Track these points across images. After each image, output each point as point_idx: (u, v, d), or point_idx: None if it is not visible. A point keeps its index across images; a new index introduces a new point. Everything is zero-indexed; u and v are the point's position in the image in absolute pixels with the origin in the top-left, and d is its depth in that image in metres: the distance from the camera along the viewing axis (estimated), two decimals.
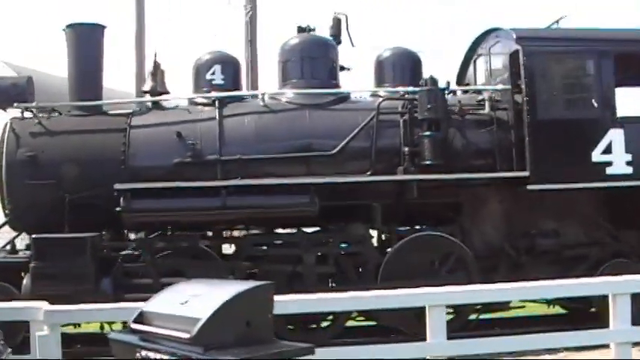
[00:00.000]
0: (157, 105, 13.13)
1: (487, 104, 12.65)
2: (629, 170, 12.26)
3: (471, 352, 9.68)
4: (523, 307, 12.96)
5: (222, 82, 12.90)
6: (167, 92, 13.43)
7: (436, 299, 9.37)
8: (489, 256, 12.55)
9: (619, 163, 12.25)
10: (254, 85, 22.50)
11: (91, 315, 9.49)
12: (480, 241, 12.64)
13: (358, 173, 12.19)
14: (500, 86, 12.92)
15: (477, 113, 12.70)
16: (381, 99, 12.66)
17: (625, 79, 13.50)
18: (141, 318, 6.14)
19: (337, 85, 13.22)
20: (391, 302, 9.78)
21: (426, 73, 13.00)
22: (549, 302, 12.92)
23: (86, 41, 12.94)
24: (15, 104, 12.46)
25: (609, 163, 12.25)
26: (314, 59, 13.09)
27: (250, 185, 11.93)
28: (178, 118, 12.59)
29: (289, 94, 12.87)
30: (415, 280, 11.09)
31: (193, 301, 5.87)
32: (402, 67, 13.27)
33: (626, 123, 12.38)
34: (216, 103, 12.56)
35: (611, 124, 12.31)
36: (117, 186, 11.70)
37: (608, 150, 12.27)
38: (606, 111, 12.39)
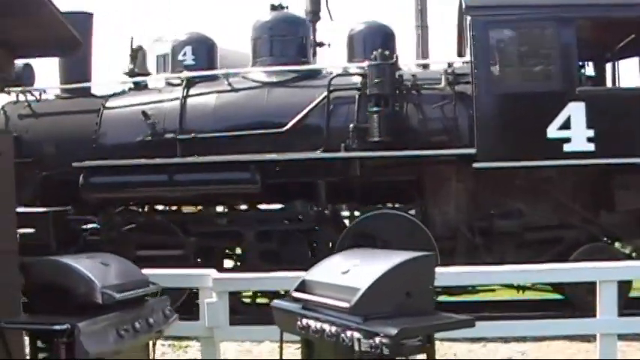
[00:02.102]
0: (136, 86, 13.74)
1: (443, 78, 12.11)
2: (591, 147, 11.38)
3: None
4: (493, 290, 12.51)
5: (192, 62, 13.31)
6: (147, 74, 14.18)
7: (608, 274, 9.09)
8: (448, 237, 12.11)
9: (579, 139, 11.38)
10: (424, 55, 22.26)
11: (259, 283, 9.72)
12: (440, 221, 12.21)
13: (311, 150, 12.09)
14: (455, 60, 12.53)
15: (435, 88, 12.15)
16: (332, 75, 12.52)
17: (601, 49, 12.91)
18: (303, 286, 6.21)
19: (307, 63, 13.20)
20: (558, 276, 9.56)
21: (400, 47, 12.99)
22: (519, 288, 12.30)
23: (74, 29, 13.29)
24: (6, 88, 13.00)
25: (567, 140, 11.41)
26: (283, 37, 13.17)
27: (199, 162, 12.20)
28: (148, 99, 13.11)
29: (257, 72, 13.03)
30: None
31: (354, 270, 5.92)
32: (374, 41, 12.85)
33: (588, 96, 11.51)
34: (183, 82, 12.94)
35: (571, 97, 11.44)
36: (75, 164, 12.44)
37: (566, 125, 11.43)
38: (565, 83, 11.56)
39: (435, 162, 12.01)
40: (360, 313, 5.45)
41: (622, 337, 9.16)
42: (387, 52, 11.95)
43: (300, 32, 13.38)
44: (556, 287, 12.17)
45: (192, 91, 12.91)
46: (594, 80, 13.29)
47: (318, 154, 12.04)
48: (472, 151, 11.62)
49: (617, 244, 12.48)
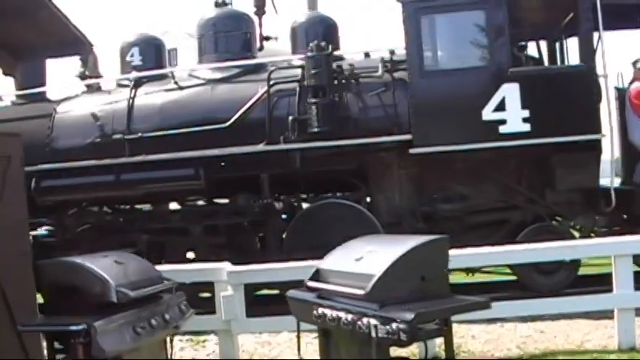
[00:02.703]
0: (89, 89, 13.66)
1: (380, 66, 12.08)
2: (527, 127, 11.38)
3: None
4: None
5: (140, 62, 13.28)
6: (99, 76, 13.95)
7: (623, 249, 9.07)
8: (394, 223, 12.07)
9: (514, 120, 11.37)
10: None
11: (274, 274, 9.70)
12: (385, 208, 12.24)
13: (255, 144, 12.07)
14: (391, 47, 12.29)
15: (373, 76, 12.11)
16: (272, 69, 12.49)
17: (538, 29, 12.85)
18: (317, 276, 6.21)
19: (252, 57, 13.17)
20: (574, 253, 9.55)
21: (343, 38, 13.01)
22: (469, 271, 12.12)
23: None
24: None
25: (503, 121, 11.40)
26: (227, 33, 13.16)
27: (144, 162, 12.27)
28: (98, 101, 13.10)
29: (203, 69, 13.07)
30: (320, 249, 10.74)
31: (368, 257, 5.91)
32: (316, 33, 12.84)
33: (521, 77, 11.50)
34: (131, 83, 13.00)
35: (504, 79, 11.43)
36: (27, 168, 12.24)
37: (501, 107, 11.42)
38: (498, 65, 11.53)
39: (377, 149, 11.99)
40: (375, 299, 5.45)
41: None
42: (323, 44, 11.94)
43: (244, 27, 13.37)
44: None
45: (139, 92, 12.93)
46: (539, 60, 13.20)
47: (257, 147, 12.03)
48: (408, 137, 11.64)
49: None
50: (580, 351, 8.98)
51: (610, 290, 9.11)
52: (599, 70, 11.50)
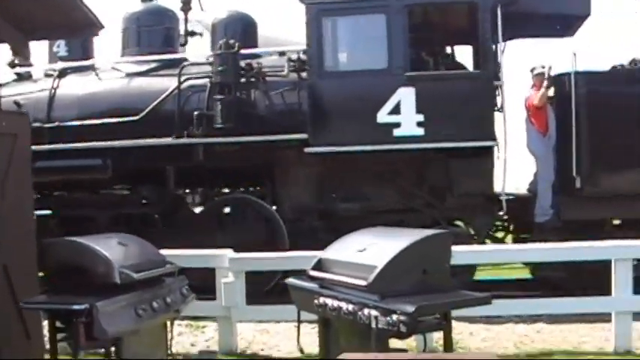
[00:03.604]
0: (19, 77, 13.82)
1: (286, 66, 12.14)
2: (420, 131, 11.47)
3: None
4: None
5: (66, 53, 13.58)
6: (29, 65, 14.06)
7: (623, 252, 9.12)
8: (296, 219, 12.21)
9: (408, 124, 11.45)
10: None
11: (275, 263, 9.75)
12: (288, 205, 12.33)
13: (164, 137, 12.14)
14: (296, 46, 12.40)
15: (279, 75, 12.19)
16: (183, 64, 12.63)
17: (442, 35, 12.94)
18: (319, 265, 6.24)
19: (174, 52, 13.28)
20: (575, 255, 9.59)
21: (261, 36, 13.13)
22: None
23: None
24: None
25: (397, 124, 11.48)
26: (150, 27, 13.30)
27: (58, 150, 12.30)
28: (23, 90, 13.15)
29: (125, 62, 13.17)
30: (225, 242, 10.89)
31: (371, 248, 5.92)
32: (235, 30, 12.94)
33: (417, 81, 11.56)
34: (55, 73, 13.17)
35: (401, 82, 11.50)
36: None
37: (396, 110, 11.50)
38: (395, 69, 11.59)
39: (282, 147, 12.03)
40: (377, 290, 5.47)
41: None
42: (232, 42, 11.98)
43: (167, 23, 13.50)
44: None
45: (62, 82, 13.05)
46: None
47: (161, 140, 12.11)
48: (304, 136, 11.71)
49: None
50: (577, 352, 9.05)
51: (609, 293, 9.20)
52: (496, 78, 11.69)
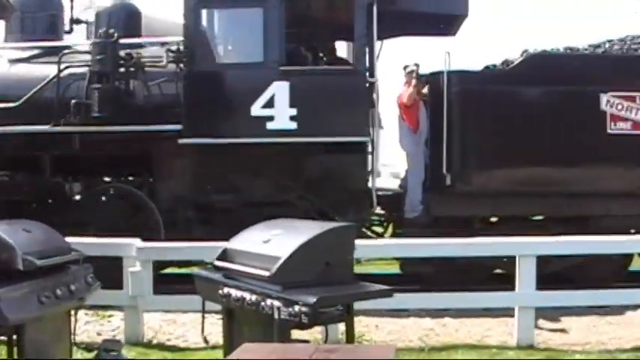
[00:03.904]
0: None
1: (165, 56, 12.03)
2: (293, 125, 11.52)
3: (560, 303, 9.69)
4: None
5: None
6: None
7: (527, 249, 9.36)
8: (172, 210, 12.14)
9: (282, 117, 11.49)
10: None
11: (182, 252, 9.74)
12: (164, 195, 12.23)
13: (43, 125, 11.93)
14: (170, 38, 12.37)
15: (158, 66, 12.06)
16: (63, 52, 12.38)
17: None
18: (225, 255, 6.30)
19: (58, 39, 13.09)
20: (482, 250, 9.81)
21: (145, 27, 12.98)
22: None
23: None
24: None
25: (271, 118, 11.53)
26: (34, 14, 12.99)
27: None
28: None
29: (9, 48, 12.94)
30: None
31: (275, 240, 5.99)
32: (118, 20, 12.75)
33: (291, 75, 11.60)
34: None
35: (275, 76, 11.55)
36: None
37: (270, 104, 11.55)
38: (270, 63, 11.62)
39: (158, 138, 11.88)
40: (279, 281, 5.55)
41: (540, 310, 9.53)
42: (111, 31, 11.84)
43: (50, 9, 13.18)
44: None
45: None
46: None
47: (35, 127, 11.85)
48: (178, 127, 11.63)
49: None
50: (480, 345, 9.25)
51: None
52: (370, 74, 11.78)
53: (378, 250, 10.39)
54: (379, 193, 12.25)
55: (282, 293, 5.46)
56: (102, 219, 11.77)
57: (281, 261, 5.59)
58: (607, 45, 13.03)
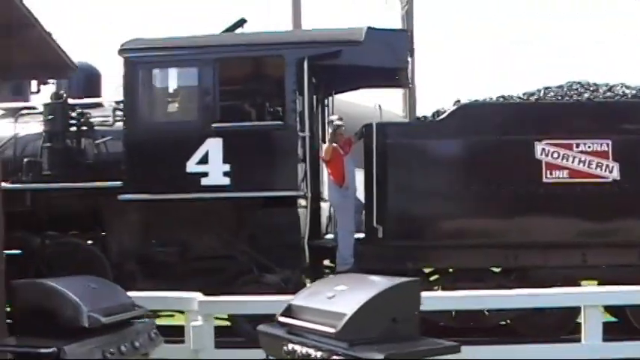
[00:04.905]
0: None
1: (111, 115, 12.34)
2: (226, 181, 11.67)
3: (628, 354, 9.49)
4: None
5: None
6: None
7: (593, 299, 9.21)
8: (122, 264, 12.18)
9: (215, 173, 11.65)
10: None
11: (245, 307, 9.72)
12: (116, 249, 12.28)
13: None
14: (114, 98, 12.55)
15: (105, 124, 12.38)
16: (21, 113, 12.75)
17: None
18: (289, 311, 6.28)
19: (24, 100, 13.30)
20: (546, 301, 9.68)
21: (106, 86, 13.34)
22: None
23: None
24: None
25: (205, 174, 11.67)
26: None
27: None
28: None
29: None
30: None
31: (340, 295, 5.94)
32: (79, 80, 12.88)
33: (225, 133, 11.72)
34: None
35: (209, 133, 11.69)
36: None
37: (204, 160, 11.70)
38: (204, 120, 11.78)
39: (106, 194, 11.98)
40: (346, 338, 5.48)
41: None
42: (61, 92, 12.20)
43: None
44: None
45: None
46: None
47: None
48: (118, 183, 11.76)
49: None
50: None
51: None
52: (301, 129, 11.82)
53: (439, 302, 10.25)
54: (320, 244, 12.37)
55: (349, 350, 5.41)
56: (56, 273, 11.68)
57: (347, 317, 5.53)
58: (542, 93, 12.83)
